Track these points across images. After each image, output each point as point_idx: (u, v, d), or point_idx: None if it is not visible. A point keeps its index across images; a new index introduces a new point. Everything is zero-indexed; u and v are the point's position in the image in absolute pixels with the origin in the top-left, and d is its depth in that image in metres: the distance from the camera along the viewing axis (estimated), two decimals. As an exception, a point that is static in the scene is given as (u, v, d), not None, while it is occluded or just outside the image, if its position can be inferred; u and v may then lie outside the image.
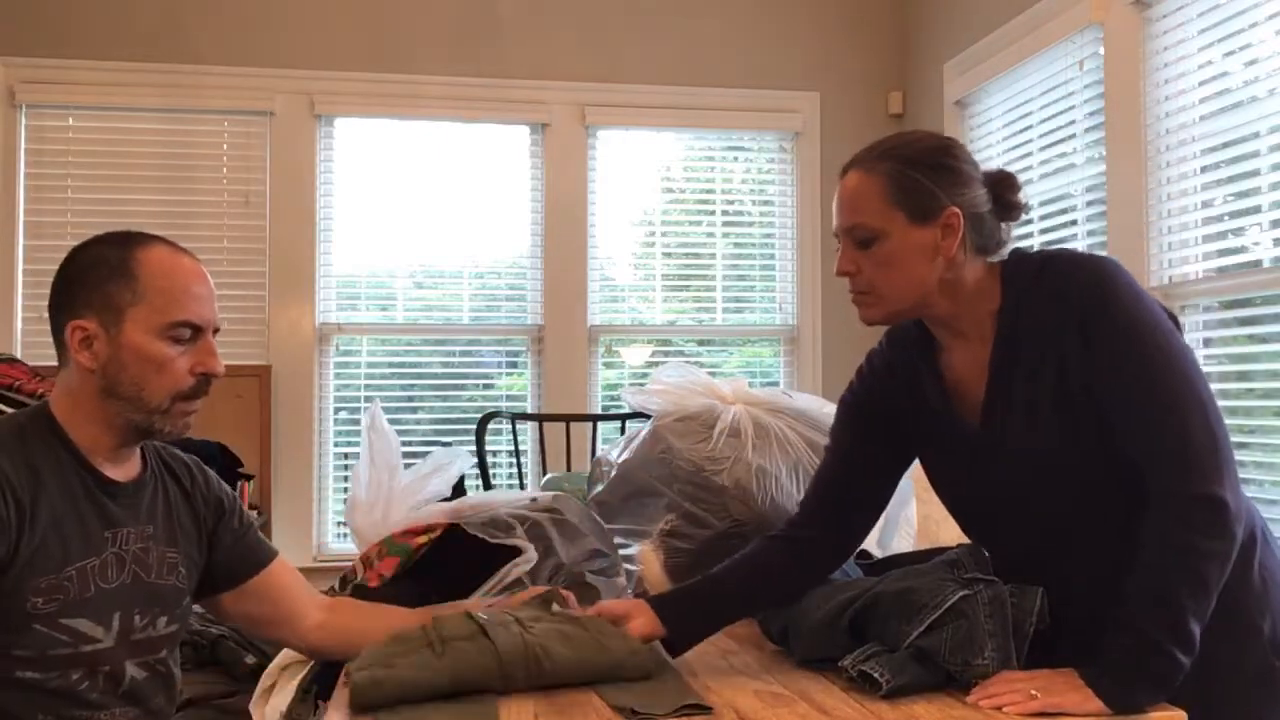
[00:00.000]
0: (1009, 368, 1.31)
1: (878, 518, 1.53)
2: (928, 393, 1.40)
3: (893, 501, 1.89)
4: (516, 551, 1.65)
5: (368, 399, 4.02)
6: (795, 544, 1.47)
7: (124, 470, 1.36)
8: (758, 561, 1.46)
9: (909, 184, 1.30)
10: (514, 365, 4.17)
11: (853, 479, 1.49)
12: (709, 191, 4.38)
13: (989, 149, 3.76)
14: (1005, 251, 1.37)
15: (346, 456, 4.02)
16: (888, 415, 1.46)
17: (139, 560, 1.35)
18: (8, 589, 1.23)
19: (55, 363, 1.34)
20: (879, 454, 1.48)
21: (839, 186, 1.36)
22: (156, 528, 1.38)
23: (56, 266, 1.34)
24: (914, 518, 1.95)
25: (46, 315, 1.34)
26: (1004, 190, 1.35)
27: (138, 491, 1.37)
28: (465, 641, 1.28)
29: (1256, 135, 2.56)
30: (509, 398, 4.17)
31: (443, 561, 1.69)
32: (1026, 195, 1.37)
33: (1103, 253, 3.03)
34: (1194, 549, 1.17)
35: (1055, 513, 1.33)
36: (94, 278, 1.29)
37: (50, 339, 1.34)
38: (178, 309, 1.30)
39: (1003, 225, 1.36)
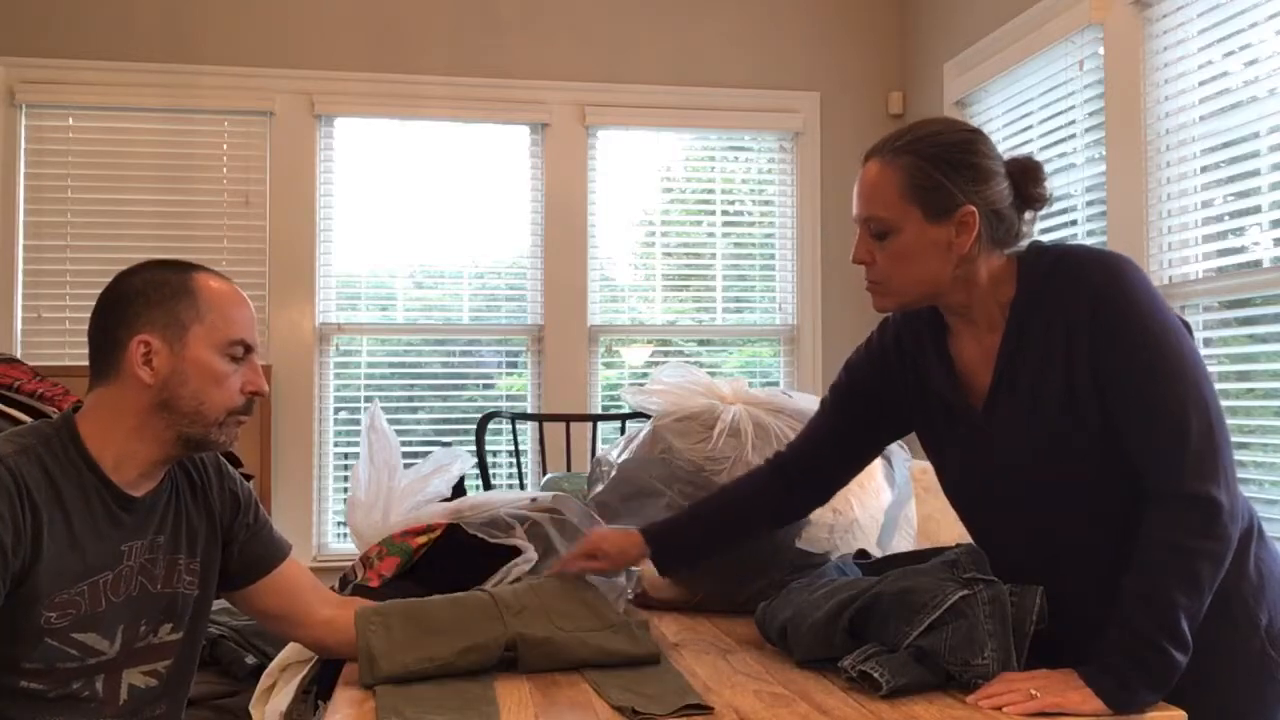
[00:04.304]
0: (1017, 357, 1.32)
1: (849, 480, 1.62)
2: (934, 375, 1.41)
3: (893, 501, 1.90)
4: (516, 551, 1.65)
5: (368, 399, 4.02)
6: (773, 487, 1.59)
7: (144, 485, 1.37)
8: (737, 496, 1.61)
9: (927, 181, 1.29)
10: (514, 365, 4.17)
11: (847, 433, 1.56)
12: (709, 191, 4.38)
13: (989, 149, 3.75)
14: (1023, 243, 1.37)
15: (346, 456, 4.02)
16: (884, 390, 1.50)
17: (145, 571, 1.36)
18: (22, 602, 1.24)
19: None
20: (874, 420, 1.55)
21: (860, 173, 1.36)
22: (166, 536, 1.39)
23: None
24: (914, 518, 1.95)
25: (88, 336, 1.36)
26: (1027, 182, 1.34)
27: (153, 504, 1.38)
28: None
29: (1256, 135, 2.56)
30: (509, 398, 4.17)
31: (443, 562, 1.69)
32: (1050, 186, 1.37)
33: (1103, 253, 3.04)
34: (1188, 549, 1.18)
35: (1048, 506, 1.33)
36: (158, 297, 1.33)
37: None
38: (235, 328, 1.37)
39: (1024, 216, 1.36)
